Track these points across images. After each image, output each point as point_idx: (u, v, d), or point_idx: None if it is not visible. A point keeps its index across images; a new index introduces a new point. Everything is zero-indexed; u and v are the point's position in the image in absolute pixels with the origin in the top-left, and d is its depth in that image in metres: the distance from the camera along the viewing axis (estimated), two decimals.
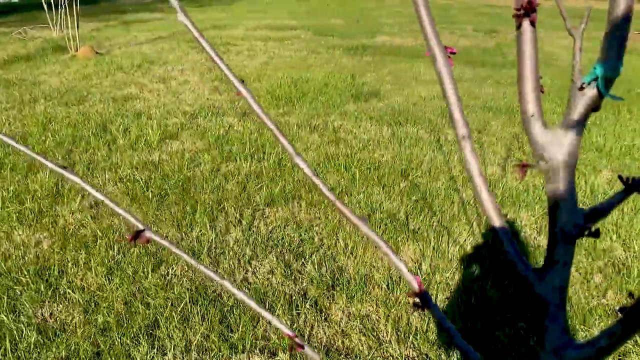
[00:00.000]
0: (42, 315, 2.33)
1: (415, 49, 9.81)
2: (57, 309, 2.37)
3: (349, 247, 2.86)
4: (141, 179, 3.69)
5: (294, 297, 2.45)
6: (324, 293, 2.49)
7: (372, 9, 18.02)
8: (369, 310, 2.39)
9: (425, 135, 4.74)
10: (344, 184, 3.68)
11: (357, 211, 3.26)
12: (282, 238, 2.97)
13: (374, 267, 2.71)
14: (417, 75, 7.46)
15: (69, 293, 2.46)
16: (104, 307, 2.35)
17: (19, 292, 2.46)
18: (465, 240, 2.99)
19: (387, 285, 2.55)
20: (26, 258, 2.78)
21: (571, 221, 0.43)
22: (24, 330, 2.20)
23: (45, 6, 10.62)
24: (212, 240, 2.94)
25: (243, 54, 9.06)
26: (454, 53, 0.42)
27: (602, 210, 0.43)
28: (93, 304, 2.40)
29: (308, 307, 2.38)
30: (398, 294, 2.49)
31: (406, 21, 14.29)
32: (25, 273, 2.59)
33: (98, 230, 3.02)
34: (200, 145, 4.44)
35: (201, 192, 3.52)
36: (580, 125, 0.42)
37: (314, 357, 0.51)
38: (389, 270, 2.67)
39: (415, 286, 0.47)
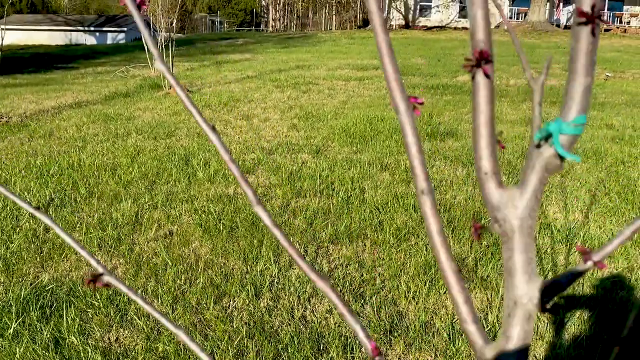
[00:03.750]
0: (109, 339, 2.44)
1: (499, 88, 9.58)
2: (123, 334, 2.47)
3: (411, 291, 2.78)
4: (215, 211, 3.82)
5: (349, 340, 2.40)
6: (381, 338, 2.42)
7: (454, 48, 17.89)
8: (427, 359, 2.30)
9: (503, 177, 4.56)
10: (411, 224, 3.61)
11: (422, 255, 3.18)
12: (344, 277, 2.94)
13: (436, 314, 2.62)
14: (499, 114, 7.26)
15: (135, 319, 2.56)
16: (165, 336, 2.43)
17: (90, 316, 2.60)
18: None
19: (449, 335, 2.44)
20: None
21: (527, 294, 0.39)
22: (90, 352, 2.31)
23: (146, 47, 11.47)
24: (275, 274, 2.97)
25: (323, 93, 9.26)
26: (420, 103, 0.41)
27: (561, 284, 0.39)
28: (156, 331, 2.48)
29: (363, 350, 2.32)
30: (459, 344, 2.37)
31: None
32: (98, 297, 2.74)
33: (169, 259, 3.14)
34: (273, 180, 4.55)
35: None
36: (537, 187, 0.39)
37: None
38: (452, 318, 2.56)
39: (370, 351, 0.45)
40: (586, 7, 0.34)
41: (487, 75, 0.37)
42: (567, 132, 0.36)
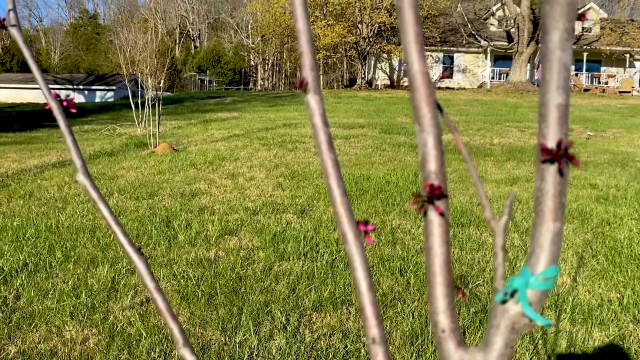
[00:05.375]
0: None
1: (483, 147, 9.69)
2: None
3: None
4: (194, 277, 3.70)
5: None
6: None
7: None
8: None
9: (490, 240, 4.52)
10: (397, 289, 3.51)
11: (408, 323, 3.06)
12: (327, 348, 2.81)
13: None
14: (484, 174, 7.30)
15: None
16: None
17: None
18: None
19: None
20: (71, 356, 2.78)
21: None
22: None
23: (132, 105, 11.56)
24: (254, 346, 2.83)
25: (310, 151, 9.30)
26: (372, 230, 0.35)
27: None
28: None
29: None
30: None
31: (472, 119, 14.30)
32: None
33: (143, 330, 2.99)
34: (256, 242, 4.45)
35: (250, 293, 3.46)
36: (503, 350, 0.32)
37: None
38: None
39: None
40: (551, 143, 0.29)
41: (441, 214, 0.32)
42: (535, 287, 0.30)
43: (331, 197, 0.34)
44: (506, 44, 31.19)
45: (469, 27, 31.99)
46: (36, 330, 3.03)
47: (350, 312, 3.21)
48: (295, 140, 10.48)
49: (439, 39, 30.72)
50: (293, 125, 13.07)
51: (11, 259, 4.04)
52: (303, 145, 9.86)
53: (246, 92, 31.55)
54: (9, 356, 2.76)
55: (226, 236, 4.65)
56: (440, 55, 31.72)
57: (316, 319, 3.15)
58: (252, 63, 42.89)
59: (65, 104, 0.56)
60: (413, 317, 3.15)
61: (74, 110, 0.57)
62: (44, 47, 43.77)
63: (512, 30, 30.81)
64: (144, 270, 0.40)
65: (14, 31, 0.53)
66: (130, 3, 43.44)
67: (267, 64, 41.78)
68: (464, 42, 31.65)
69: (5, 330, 3.02)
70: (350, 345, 2.84)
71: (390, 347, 2.81)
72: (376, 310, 0.34)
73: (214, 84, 37.95)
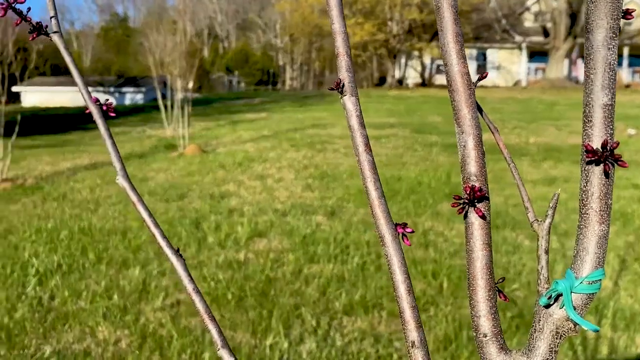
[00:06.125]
0: None
1: (519, 146, 9.49)
2: None
3: None
4: (224, 279, 3.69)
5: None
6: None
7: None
8: None
9: (526, 242, 4.40)
10: (430, 293, 3.43)
11: (442, 327, 2.99)
12: (358, 353, 2.76)
13: None
14: (520, 174, 7.11)
15: None
16: None
17: None
18: None
19: None
20: (104, 356, 2.80)
21: None
22: None
23: (162, 107, 11.69)
24: (284, 349, 2.80)
25: (339, 152, 9.25)
26: (410, 232, 0.32)
27: None
28: None
29: None
30: None
31: (507, 118, 14.04)
32: None
33: (174, 331, 2.99)
34: (286, 245, 4.42)
35: (280, 296, 3.43)
36: (547, 355, 0.30)
37: None
38: None
39: None
40: (596, 144, 0.27)
41: (482, 216, 0.29)
42: (580, 291, 0.27)
43: (369, 199, 0.31)
44: (542, 39, 30.49)
45: (503, 22, 31.44)
46: (70, 331, 3.06)
47: (381, 316, 3.15)
48: (324, 140, 10.45)
49: (471, 35, 30.28)
50: (322, 126, 13.05)
51: (46, 260, 4.11)
52: (332, 146, 9.82)
53: (274, 92, 31.71)
54: (45, 355, 2.79)
55: (255, 238, 4.64)
56: (474, 51, 31.26)
57: (347, 322, 3.10)
58: (280, 63, 43.06)
59: (104, 108, 0.57)
60: (446, 322, 3.07)
61: (113, 115, 0.58)
62: (76, 51, 44.80)
63: (549, 25, 30.12)
64: (182, 272, 0.38)
65: (55, 37, 0.51)
66: (159, 5, 44.08)
67: (295, 64, 41.90)
68: (498, 37, 31.13)
69: (41, 330, 3.05)
70: (382, 349, 2.79)
71: None
72: (416, 313, 0.31)
73: (242, 85, 38.25)
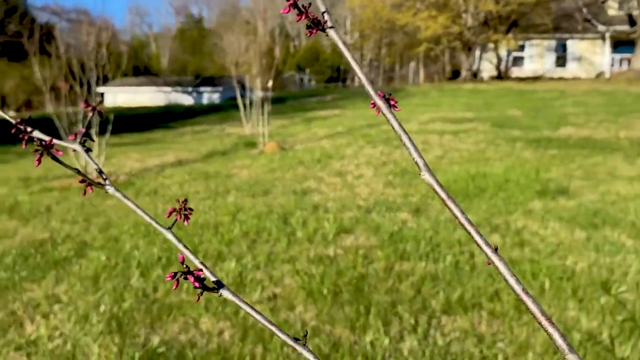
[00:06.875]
0: None
1: (608, 141, 8.97)
2: None
3: None
4: (317, 274, 3.73)
5: None
6: None
7: (553, 99, 17.19)
8: None
9: (629, 242, 4.15)
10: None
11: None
12: (462, 353, 2.70)
13: None
14: (613, 170, 6.74)
15: None
16: None
17: None
18: None
19: None
20: (209, 347, 2.90)
21: None
22: None
23: (240, 106, 11.97)
24: (385, 346, 2.79)
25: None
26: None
27: None
28: None
29: None
30: None
31: (592, 111, 13.30)
32: None
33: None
34: (373, 241, 4.41)
35: (374, 292, 3.42)
36: None
37: None
38: None
39: None
40: None
41: None
42: None
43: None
44: (627, 28, 28.62)
45: (585, 11, 29.81)
46: (175, 322, 3.19)
47: (481, 316, 3.07)
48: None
49: (550, 26, 28.91)
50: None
51: (146, 252, 4.31)
52: None
53: (345, 89, 31.72)
54: (154, 345, 2.92)
55: (342, 234, 4.65)
56: (553, 42, 29.86)
57: (446, 322, 3.04)
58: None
59: (392, 102, 0.54)
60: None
61: (397, 109, 0.53)
62: (154, 52, 46.71)
63: (635, 12, 28.24)
64: (505, 270, 0.37)
65: (332, 32, 0.52)
66: (233, 6, 45.18)
67: (365, 60, 41.73)
68: (579, 27, 29.56)
69: (148, 321, 3.21)
70: (487, 350, 2.72)
71: (531, 354, 2.65)
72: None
73: (312, 82, 38.55)
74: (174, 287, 0.51)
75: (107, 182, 0.58)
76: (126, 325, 3.16)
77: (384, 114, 0.53)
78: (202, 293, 0.53)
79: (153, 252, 4.31)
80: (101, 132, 7.94)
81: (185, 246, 0.53)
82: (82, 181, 0.59)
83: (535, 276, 3.53)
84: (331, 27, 0.52)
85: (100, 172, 0.59)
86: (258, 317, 0.52)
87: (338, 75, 40.50)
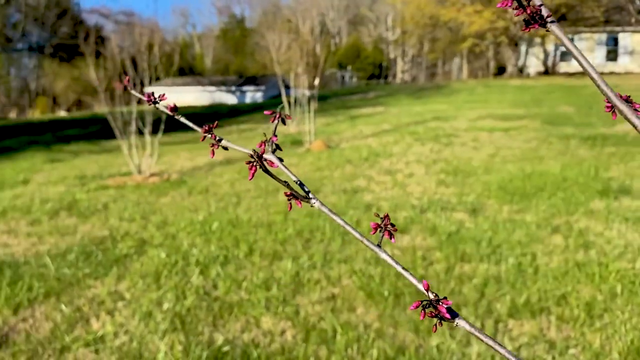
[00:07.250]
0: None
1: None
2: None
3: None
4: (375, 275, 3.69)
5: None
6: None
7: None
8: None
9: None
10: (600, 298, 3.18)
11: (620, 335, 2.75)
12: (533, 359, 2.62)
13: None
14: None
15: None
16: None
17: None
18: None
19: None
20: (272, 347, 2.90)
21: None
22: None
23: (285, 104, 12.02)
24: (453, 350, 2.73)
25: (467, 145, 8.95)
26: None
27: None
28: None
29: None
30: None
31: None
32: None
33: (337, 326, 3.04)
34: (431, 242, 4.34)
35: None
36: None
37: None
38: None
39: None
40: None
41: None
42: None
43: None
44: None
45: (638, 3, 28.65)
46: (237, 320, 3.22)
47: (550, 321, 2.97)
48: (449, 134, 10.16)
49: (601, 19, 27.92)
50: (444, 119, 12.72)
51: (204, 250, 4.36)
52: (458, 140, 9.52)
53: (387, 86, 31.46)
54: (219, 344, 2.95)
55: (398, 234, 4.59)
56: (603, 36, 28.83)
57: (513, 326, 2.96)
58: (391, 56, 42.65)
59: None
60: (626, 330, 2.83)
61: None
62: (198, 52, 47.48)
63: None
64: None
65: (554, 27, 0.49)
66: (274, 5, 45.48)
67: (407, 56, 41.31)
68: (632, 20, 28.42)
69: (210, 319, 3.24)
70: (559, 356, 2.63)
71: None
72: None
73: (354, 79, 38.42)
74: (421, 317, 0.49)
75: (311, 194, 0.57)
76: (190, 324, 3.20)
77: (627, 120, 0.49)
78: (441, 324, 0.51)
79: (211, 250, 4.37)
80: (153, 131, 8.10)
81: (404, 268, 0.51)
82: (288, 194, 0.58)
83: (604, 279, 3.39)
84: (553, 22, 0.49)
85: (301, 184, 0.58)
86: None
87: (380, 72, 40.24)
